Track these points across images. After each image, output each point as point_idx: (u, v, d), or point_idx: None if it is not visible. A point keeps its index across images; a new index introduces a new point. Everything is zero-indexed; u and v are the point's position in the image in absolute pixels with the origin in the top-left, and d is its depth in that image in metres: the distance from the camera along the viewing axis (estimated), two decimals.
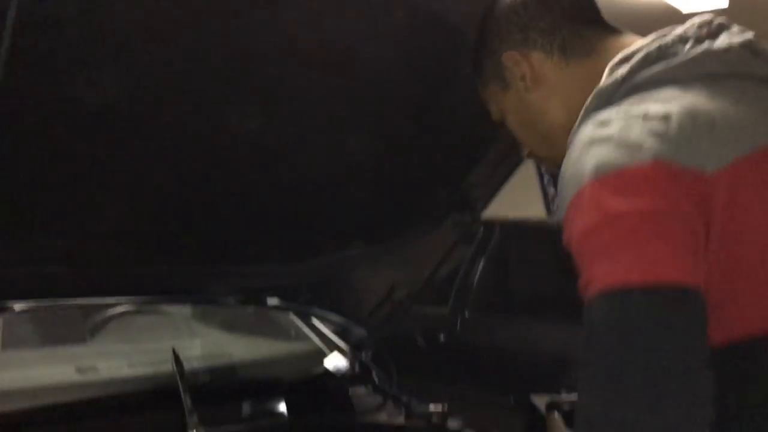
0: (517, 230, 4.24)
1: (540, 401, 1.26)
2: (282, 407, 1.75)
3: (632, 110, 0.88)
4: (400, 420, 1.88)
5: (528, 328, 3.91)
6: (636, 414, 0.76)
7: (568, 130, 0.98)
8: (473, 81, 1.15)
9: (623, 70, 0.93)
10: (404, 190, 1.73)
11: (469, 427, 1.93)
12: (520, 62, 1.06)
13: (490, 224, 4.18)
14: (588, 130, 0.90)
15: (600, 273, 0.81)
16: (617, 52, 0.97)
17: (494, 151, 1.67)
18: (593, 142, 0.88)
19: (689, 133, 0.84)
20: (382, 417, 1.88)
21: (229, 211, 1.52)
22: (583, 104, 0.96)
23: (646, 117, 0.86)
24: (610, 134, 0.86)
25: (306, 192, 1.57)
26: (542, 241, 4.36)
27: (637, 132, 0.85)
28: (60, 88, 1.06)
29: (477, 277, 4.14)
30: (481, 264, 4.16)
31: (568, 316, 4.35)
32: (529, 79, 1.06)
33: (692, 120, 0.85)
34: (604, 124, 0.89)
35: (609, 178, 0.83)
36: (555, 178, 0.99)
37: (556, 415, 1.23)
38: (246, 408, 1.70)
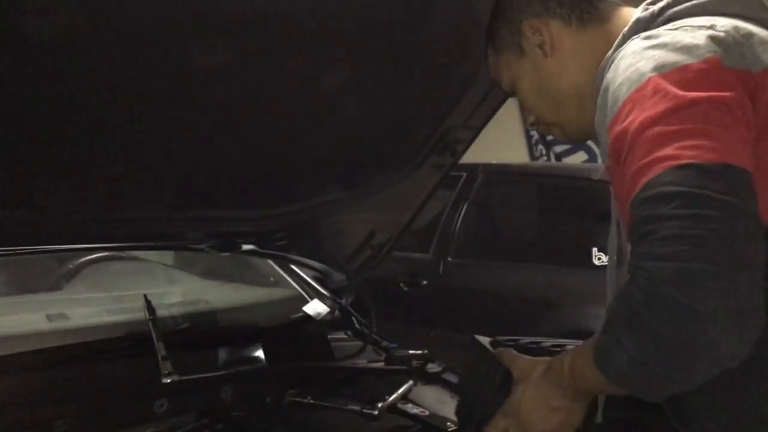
0: (500, 175, 4.21)
1: (483, 340, 1.26)
2: (260, 353, 1.73)
3: (677, 25, 0.99)
4: (380, 364, 1.87)
5: (510, 272, 3.91)
6: (714, 266, 0.81)
7: (581, 93, 1.12)
8: (481, 48, 1.24)
9: (659, 4, 1.05)
10: (382, 132, 1.67)
11: (448, 370, 1.93)
12: (540, 30, 1.15)
13: (472, 169, 4.15)
14: (637, 43, 0.99)
15: (669, 153, 0.86)
16: (630, 20, 1.08)
17: (474, 92, 1.63)
18: (646, 48, 0.96)
19: (735, 39, 0.94)
20: (362, 362, 1.87)
21: (202, 155, 1.46)
22: (593, 69, 1.09)
23: (693, 27, 0.96)
24: (664, 42, 0.95)
25: (280, 135, 1.52)
26: (524, 187, 4.36)
27: (689, 37, 0.94)
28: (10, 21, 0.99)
29: (459, 222, 4.12)
30: (464, 209, 4.14)
31: (549, 260, 4.36)
32: (548, 47, 1.15)
33: (735, 29, 0.95)
34: (653, 36, 0.98)
35: (672, 73, 0.91)
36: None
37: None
38: (223, 354, 1.67)
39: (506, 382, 1.16)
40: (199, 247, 1.73)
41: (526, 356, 1.16)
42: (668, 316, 0.83)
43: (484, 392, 1.18)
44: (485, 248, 4.17)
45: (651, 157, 0.87)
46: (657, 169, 0.86)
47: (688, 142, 0.86)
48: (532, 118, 1.25)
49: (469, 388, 1.24)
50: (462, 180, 4.17)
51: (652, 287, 0.84)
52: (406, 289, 4.08)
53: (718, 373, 0.86)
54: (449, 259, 4.05)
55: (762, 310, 0.84)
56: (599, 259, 3.55)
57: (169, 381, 1.46)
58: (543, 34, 1.15)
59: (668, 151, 0.86)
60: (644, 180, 0.87)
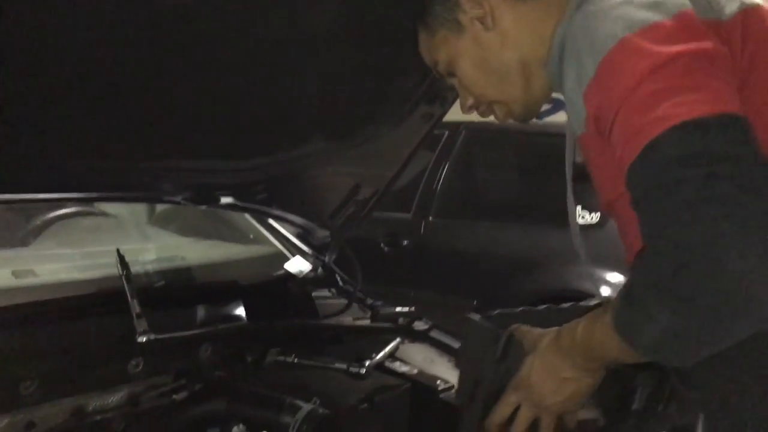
0: (482, 133, 4.14)
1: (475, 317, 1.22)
2: (240, 311, 1.65)
3: None
4: (366, 322, 1.81)
5: (492, 232, 3.87)
6: (741, 222, 0.77)
7: (527, 66, 1.09)
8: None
9: None
10: (368, 78, 1.58)
11: (436, 328, 1.88)
12: (480, 2, 1.09)
13: (454, 127, 4.07)
14: (597, 4, 0.94)
15: (664, 113, 0.82)
16: None
17: None
18: (611, 8, 0.92)
19: None
20: (348, 320, 1.81)
21: (177, 102, 1.36)
22: (540, 40, 1.05)
23: None
24: (628, 0, 0.91)
25: (261, 81, 1.42)
26: (507, 145, 4.29)
27: None
28: None
29: (440, 181, 4.06)
30: (445, 168, 4.07)
31: (532, 219, 4.32)
32: (489, 19, 1.09)
33: None
34: None
35: (646, 31, 0.87)
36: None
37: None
38: (201, 312, 1.59)
39: (507, 352, 1.11)
40: (174, 199, 1.63)
41: (536, 328, 1.11)
42: (703, 283, 0.79)
43: (486, 366, 1.14)
44: (467, 208, 4.13)
45: (643, 121, 0.84)
46: (653, 132, 0.82)
47: (679, 99, 0.83)
48: (470, 101, 1.19)
49: (470, 363, 1.18)
50: (444, 138, 4.10)
51: (679, 256, 0.80)
52: (386, 249, 4.03)
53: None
54: (430, 218, 4.01)
55: None
56: (582, 217, 3.52)
57: (144, 340, 1.38)
58: (483, 7, 1.09)
59: (661, 111, 0.83)
60: (641, 145, 0.83)
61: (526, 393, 1.07)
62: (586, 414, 1.07)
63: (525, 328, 1.12)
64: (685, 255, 0.80)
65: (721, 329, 0.82)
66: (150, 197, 1.67)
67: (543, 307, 1.19)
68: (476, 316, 1.23)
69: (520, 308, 1.23)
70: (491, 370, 1.12)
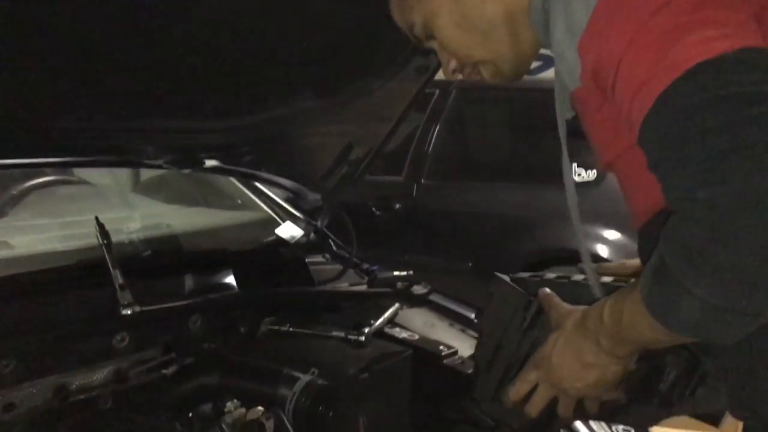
0: (474, 92, 4.03)
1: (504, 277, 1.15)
2: (230, 279, 1.57)
3: None
4: (363, 288, 1.73)
5: (486, 192, 3.80)
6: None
7: (513, 18, 0.97)
8: None
9: None
10: (360, 30, 1.48)
11: (435, 292, 1.81)
12: None
13: (445, 86, 3.97)
14: None
15: (675, 56, 0.73)
16: None
17: None
18: None
19: None
20: (344, 285, 1.73)
21: (156, 58, 1.26)
22: None
23: None
24: None
25: (243, 34, 1.32)
26: (499, 104, 4.20)
27: None
28: None
29: (432, 143, 3.97)
30: (436, 129, 3.98)
31: (527, 178, 4.24)
32: None
33: None
34: None
35: None
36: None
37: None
38: (189, 282, 1.51)
39: (536, 322, 1.04)
40: (156, 163, 1.53)
41: (566, 304, 1.02)
42: (745, 247, 0.70)
43: (511, 332, 1.06)
44: (460, 169, 4.04)
45: (653, 68, 0.74)
46: (666, 80, 0.73)
47: (691, 38, 0.73)
48: (453, 64, 1.06)
49: (495, 326, 1.10)
50: (434, 98, 4.00)
51: (715, 220, 0.71)
52: (378, 213, 3.95)
53: None
54: (423, 181, 3.93)
55: None
56: (579, 175, 3.44)
57: (128, 312, 1.30)
58: None
59: (672, 54, 0.73)
60: (653, 96, 0.74)
61: (545, 373, 0.99)
62: (608, 394, 1.00)
63: (555, 300, 1.03)
64: (722, 219, 0.70)
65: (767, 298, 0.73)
66: (130, 161, 1.57)
67: (581, 277, 1.09)
68: (505, 277, 1.15)
69: (555, 275, 1.14)
70: (516, 337, 1.05)
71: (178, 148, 1.53)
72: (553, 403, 1.01)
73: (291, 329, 1.49)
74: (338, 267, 1.79)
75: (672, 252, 0.77)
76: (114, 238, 1.45)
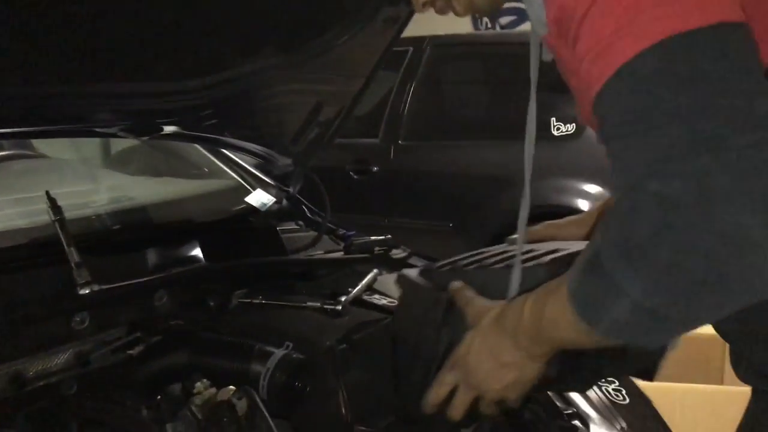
0: (449, 49, 3.93)
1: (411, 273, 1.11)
2: (197, 252, 1.49)
3: None
4: (339, 255, 1.66)
5: (465, 151, 3.73)
6: (740, 174, 0.62)
7: None
8: None
9: None
10: None
11: (415, 255, 1.74)
12: None
13: (418, 43, 3.86)
14: None
15: (644, 25, 0.66)
16: None
17: None
18: None
19: None
20: (319, 254, 1.65)
21: (107, 17, 1.16)
22: None
23: None
24: None
25: None
26: (475, 60, 4.10)
27: None
28: None
29: (408, 103, 3.87)
30: (412, 88, 3.88)
31: (505, 135, 4.17)
32: None
33: None
34: None
35: None
36: None
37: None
38: (153, 256, 1.42)
39: (448, 319, 0.98)
40: (110, 131, 1.43)
41: (482, 299, 0.95)
42: (692, 250, 0.64)
43: (425, 331, 1.00)
44: (437, 128, 3.96)
45: (618, 33, 0.67)
46: (631, 50, 0.66)
47: (664, 8, 0.66)
48: None
49: (408, 329, 1.05)
50: (408, 56, 3.89)
51: (663, 214, 0.64)
52: (356, 177, 3.87)
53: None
54: (400, 142, 3.85)
55: None
56: (558, 129, 3.38)
57: (87, 292, 1.21)
58: None
59: (645, 20, 0.66)
60: (614, 65, 0.67)
61: (463, 375, 0.94)
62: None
63: (468, 294, 0.96)
64: (671, 215, 0.64)
65: (707, 306, 0.68)
66: (82, 130, 1.46)
67: (499, 266, 1.02)
68: (413, 273, 1.09)
69: (470, 260, 1.06)
70: (431, 337, 0.99)
71: (133, 114, 1.42)
72: (477, 401, 0.96)
73: (264, 301, 1.41)
74: (312, 234, 1.71)
75: (609, 245, 0.70)
76: (75, 214, 1.36)
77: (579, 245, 1.02)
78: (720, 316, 0.71)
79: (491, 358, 0.89)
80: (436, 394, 0.96)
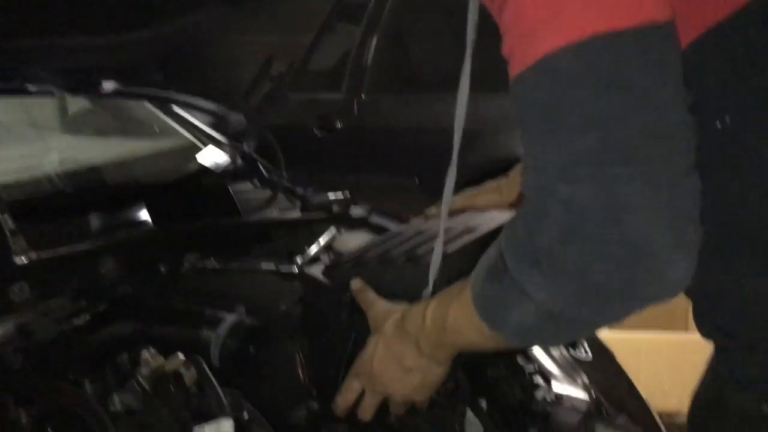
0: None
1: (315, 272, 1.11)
2: (145, 215, 1.42)
3: None
4: (296, 214, 1.60)
5: (430, 105, 3.65)
6: (637, 184, 0.61)
7: None
8: None
9: None
10: None
11: (375, 213, 1.69)
12: None
13: None
14: None
15: (569, 19, 0.62)
16: None
17: None
18: None
19: None
20: (274, 213, 1.59)
21: None
22: None
23: None
24: None
25: None
26: (439, 10, 4.00)
27: None
28: None
29: (370, 55, 3.77)
30: (374, 40, 3.78)
31: (472, 87, 4.08)
32: None
33: None
34: None
35: None
36: None
37: None
38: (96, 221, 1.35)
39: (351, 319, 0.98)
40: (45, 89, 1.34)
41: (383, 302, 0.95)
42: (597, 257, 0.63)
43: (331, 334, 1.01)
44: (401, 81, 3.87)
45: (543, 21, 0.63)
46: (557, 39, 0.62)
47: (595, 3, 0.61)
48: None
49: (317, 329, 1.06)
50: (370, 6, 3.78)
51: (571, 220, 0.64)
52: (320, 134, 3.79)
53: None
54: (363, 96, 3.75)
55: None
56: None
57: (23, 260, 1.14)
58: None
59: (574, 11, 0.62)
60: (534, 56, 0.63)
61: (368, 381, 0.93)
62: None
63: (370, 296, 0.96)
64: (578, 221, 0.63)
65: (614, 309, 0.68)
66: (13, 88, 1.37)
67: (402, 261, 1.00)
68: (317, 270, 1.07)
69: (378, 249, 1.05)
70: (337, 338, 1.00)
71: (69, 71, 1.34)
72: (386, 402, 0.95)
73: (217, 265, 1.36)
74: (267, 192, 1.65)
75: (515, 248, 0.70)
76: (16, 177, 1.28)
77: (494, 218, 1.06)
78: (625, 318, 0.70)
79: (395, 364, 0.89)
80: (344, 399, 0.97)
